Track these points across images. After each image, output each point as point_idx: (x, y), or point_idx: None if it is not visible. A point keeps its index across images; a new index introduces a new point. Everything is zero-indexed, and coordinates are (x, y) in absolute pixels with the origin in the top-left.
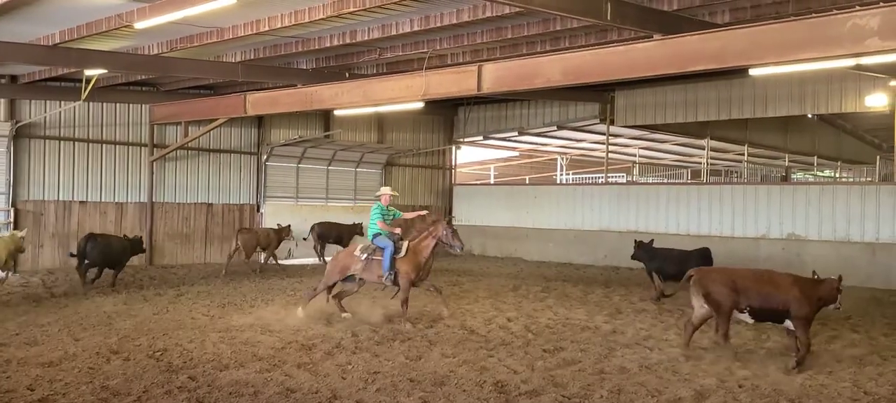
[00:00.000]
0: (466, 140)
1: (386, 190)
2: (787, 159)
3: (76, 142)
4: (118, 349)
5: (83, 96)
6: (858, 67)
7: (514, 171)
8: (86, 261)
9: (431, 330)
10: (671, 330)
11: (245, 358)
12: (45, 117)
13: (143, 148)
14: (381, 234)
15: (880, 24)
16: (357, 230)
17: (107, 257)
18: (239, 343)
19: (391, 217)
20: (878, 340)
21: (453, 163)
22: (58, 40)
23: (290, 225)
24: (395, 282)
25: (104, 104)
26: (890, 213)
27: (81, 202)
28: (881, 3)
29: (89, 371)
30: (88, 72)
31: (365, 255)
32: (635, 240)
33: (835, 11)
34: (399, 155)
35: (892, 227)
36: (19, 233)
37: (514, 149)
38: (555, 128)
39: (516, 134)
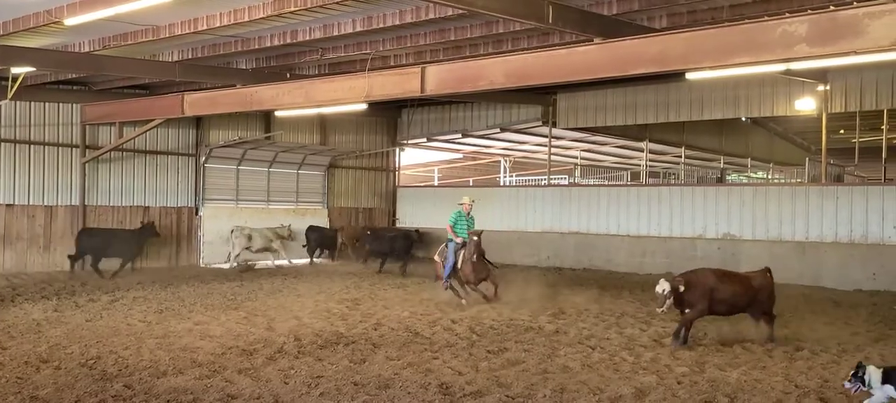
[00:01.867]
0: (410, 142)
1: (466, 198)
2: (722, 161)
3: (3, 143)
4: (48, 357)
5: (10, 95)
6: (788, 72)
7: (458, 173)
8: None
9: (376, 333)
10: (612, 329)
11: (184, 365)
12: None
13: (74, 149)
14: (451, 241)
15: (808, 31)
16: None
17: (324, 241)
18: (177, 350)
19: (469, 225)
20: (806, 336)
21: (397, 166)
22: None
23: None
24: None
25: (33, 103)
26: (818, 213)
27: (8, 205)
28: (809, 11)
29: (17, 381)
30: (15, 70)
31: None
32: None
33: (766, 18)
34: (342, 157)
35: (820, 226)
36: (286, 224)
37: (457, 151)
38: (498, 130)
39: (460, 136)
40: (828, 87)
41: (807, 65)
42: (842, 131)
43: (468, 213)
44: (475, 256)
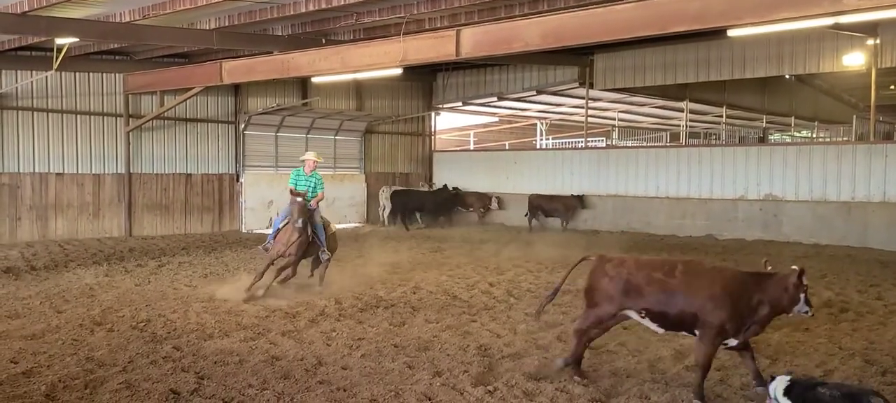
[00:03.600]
0: (446, 106)
1: (311, 155)
2: (764, 120)
3: (50, 113)
4: (101, 320)
5: (55, 66)
6: (836, 27)
7: (494, 137)
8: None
9: (415, 297)
10: None
11: (229, 327)
12: (17, 88)
13: (118, 118)
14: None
15: None
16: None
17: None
18: (223, 313)
19: (310, 188)
20: (852, 297)
21: (433, 130)
22: (27, 8)
23: (584, 196)
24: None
25: (77, 74)
26: (865, 172)
27: (58, 174)
28: None
29: (73, 343)
30: (59, 41)
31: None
32: None
33: None
34: (378, 122)
35: (867, 186)
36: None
37: (493, 114)
38: (534, 92)
39: (495, 99)
40: (878, 41)
41: (856, 18)
42: (892, 87)
43: (309, 173)
44: (299, 223)
